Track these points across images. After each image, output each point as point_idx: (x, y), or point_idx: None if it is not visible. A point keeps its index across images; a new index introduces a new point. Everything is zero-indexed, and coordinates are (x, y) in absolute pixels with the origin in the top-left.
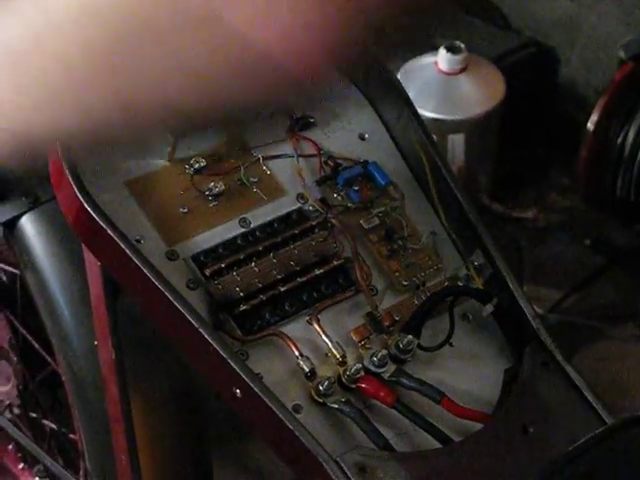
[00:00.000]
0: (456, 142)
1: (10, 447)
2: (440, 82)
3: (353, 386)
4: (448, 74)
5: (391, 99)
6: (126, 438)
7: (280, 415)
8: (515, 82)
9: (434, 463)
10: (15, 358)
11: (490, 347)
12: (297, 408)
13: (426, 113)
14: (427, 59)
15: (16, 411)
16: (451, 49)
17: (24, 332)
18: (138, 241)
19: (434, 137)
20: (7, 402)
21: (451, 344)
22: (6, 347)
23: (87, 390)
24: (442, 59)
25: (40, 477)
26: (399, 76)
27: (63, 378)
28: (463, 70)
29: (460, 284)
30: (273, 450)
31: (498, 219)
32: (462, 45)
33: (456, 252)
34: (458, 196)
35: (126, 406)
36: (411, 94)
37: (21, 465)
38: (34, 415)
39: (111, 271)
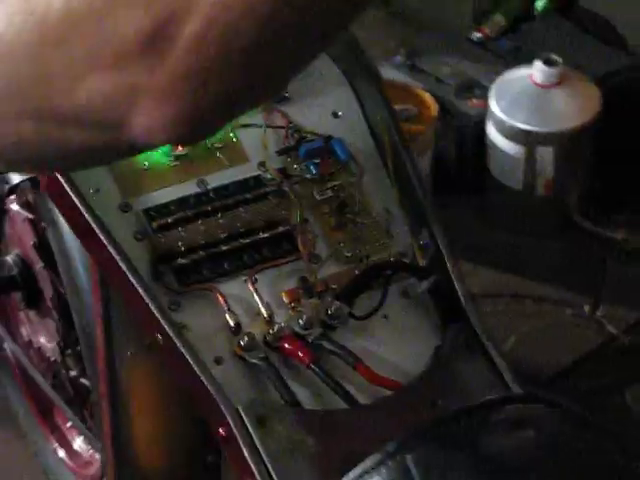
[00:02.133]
0: (545, 155)
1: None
2: (533, 94)
3: (276, 345)
4: (542, 86)
5: (365, 77)
6: (108, 388)
7: (191, 362)
8: (620, 101)
9: (335, 421)
10: (57, 315)
11: (425, 324)
12: (219, 360)
13: (517, 124)
14: (524, 71)
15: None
16: (547, 62)
17: (60, 288)
18: (97, 191)
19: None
20: (53, 359)
21: (386, 317)
22: (50, 304)
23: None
24: (537, 71)
25: (84, 436)
26: (496, 86)
27: (78, 334)
28: (558, 84)
29: (402, 260)
30: (191, 401)
31: (587, 236)
32: (559, 59)
33: (406, 231)
34: (411, 176)
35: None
36: (504, 104)
37: (69, 424)
38: (74, 373)
39: (70, 223)
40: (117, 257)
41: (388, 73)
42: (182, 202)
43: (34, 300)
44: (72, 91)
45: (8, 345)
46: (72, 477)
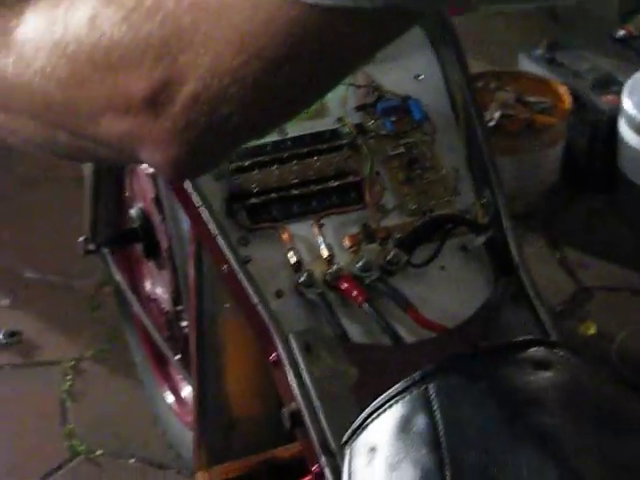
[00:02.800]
0: None
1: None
2: None
3: (334, 284)
4: None
5: (446, 41)
6: (197, 338)
7: (250, 292)
8: None
9: (378, 356)
10: (170, 266)
11: (479, 276)
12: (279, 293)
13: None
14: None
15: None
16: None
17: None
18: None
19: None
20: (166, 310)
21: (443, 267)
22: (165, 256)
23: None
24: None
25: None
26: (630, 82)
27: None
28: None
29: (462, 215)
30: (249, 325)
31: None
32: None
33: (472, 190)
34: (479, 138)
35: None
36: (636, 100)
37: (180, 375)
38: (184, 324)
39: None
40: (193, 194)
41: (526, 65)
42: (260, 148)
43: (153, 252)
44: (94, 123)
45: (128, 295)
46: (178, 422)
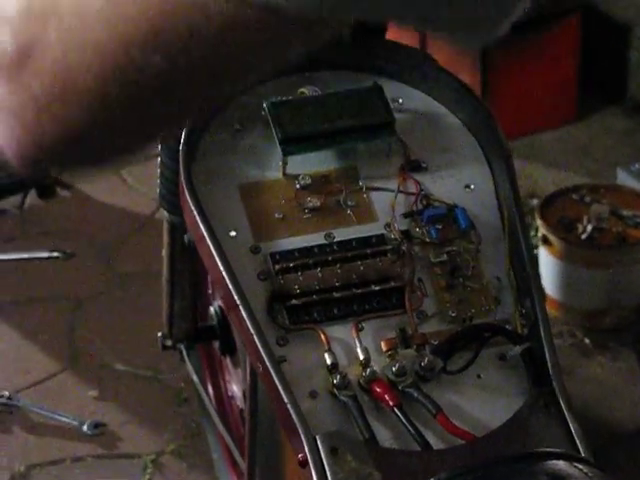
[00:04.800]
0: None
1: None
2: None
3: (367, 387)
4: None
5: (498, 153)
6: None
7: (281, 391)
8: None
9: (404, 461)
10: (243, 365)
11: (514, 387)
12: (313, 394)
13: None
14: None
15: None
16: None
17: None
18: (234, 234)
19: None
20: (241, 407)
21: (479, 376)
22: (239, 354)
23: None
24: None
25: None
26: None
27: None
28: None
29: (500, 325)
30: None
31: None
32: None
33: (513, 300)
34: (523, 249)
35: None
36: None
37: None
38: None
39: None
40: (235, 294)
41: (624, 179)
42: (306, 250)
43: (229, 349)
44: None
45: (201, 393)
46: None
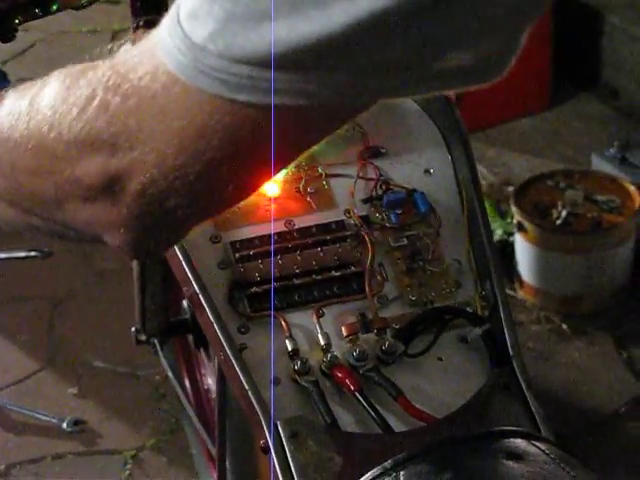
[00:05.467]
0: None
1: None
2: None
3: (329, 372)
4: None
5: (456, 136)
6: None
7: (242, 379)
8: None
9: (365, 445)
10: None
11: (475, 368)
12: (276, 381)
13: None
14: None
15: None
16: None
17: None
18: None
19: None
20: None
21: (441, 359)
22: None
23: None
24: None
25: None
26: None
27: None
28: None
29: (460, 307)
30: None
31: None
32: None
33: (473, 283)
34: (482, 232)
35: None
36: None
37: None
38: None
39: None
40: (195, 283)
41: (598, 164)
42: (267, 238)
43: (203, 343)
44: (60, 210)
45: (175, 387)
46: None
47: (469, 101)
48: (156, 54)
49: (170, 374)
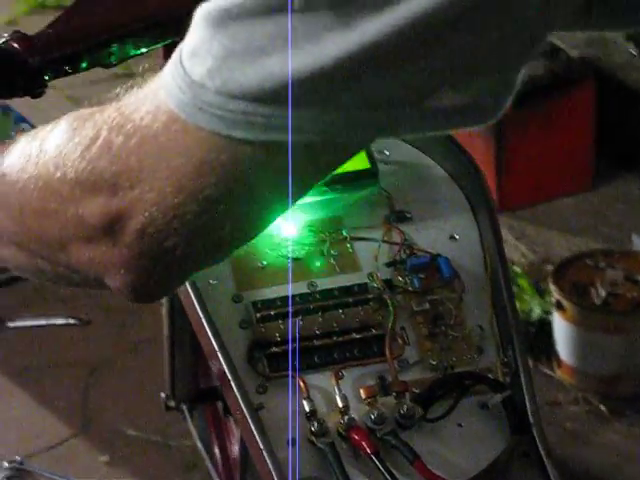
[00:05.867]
0: None
1: None
2: None
3: (346, 435)
4: None
5: (483, 205)
6: None
7: (255, 436)
8: None
9: None
10: None
11: (495, 434)
12: (293, 442)
13: None
14: None
15: None
16: None
17: None
18: (215, 282)
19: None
20: None
21: (460, 425)
22: None
23: None
24: None
25: None
26: None
27: None
28: None
29: (481, 373)
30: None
31: None
32: None
33: (496, 349)
34: (505, 299)
35: None
36: None
37: None
38: None
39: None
40: (214, 342)
41: (639, 244)
42: (287, 299)
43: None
44: (64, 252)
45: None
46: None
47: (511, 179)
48: (159, 94)
49: (198, 442)
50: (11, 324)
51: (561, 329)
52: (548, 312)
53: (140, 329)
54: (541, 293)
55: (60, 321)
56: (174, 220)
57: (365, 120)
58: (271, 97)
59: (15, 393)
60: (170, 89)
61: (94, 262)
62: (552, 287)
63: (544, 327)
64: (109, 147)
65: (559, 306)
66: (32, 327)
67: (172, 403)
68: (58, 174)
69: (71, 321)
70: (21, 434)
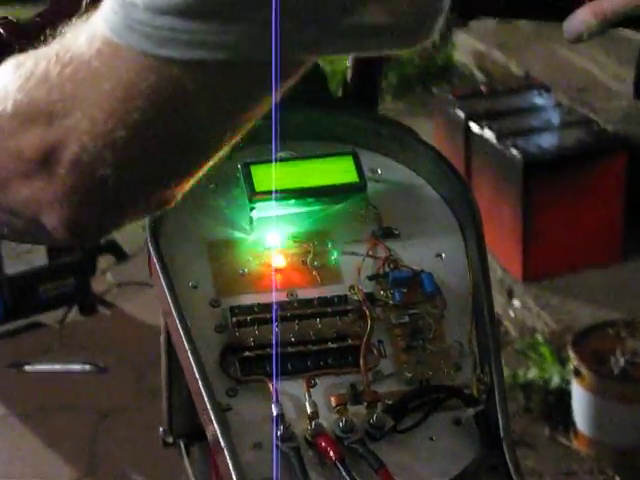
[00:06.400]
0: None
1: None
2: None
3: (312, 441)
4: None
5: (470, 222)
6: None
7: (219, 436)
8: None
9: None
10: None
11: (467, 450)
12: (257, 445)
13: None
14: None
15: None
16: None
17: None
18: (194, 287)
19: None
20: None
21: (432, 439)
22: None
23: None
24: None
25: None
26: None
27: None
28: None
29: (455, 387)
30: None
31: None
32: None
33: (473, 366)
34: (486, 316)
35: None
36: None
37: None
38: None
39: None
40: (185, 342)
41: None
42: (267, 306)
43: None
44: (4, 191)
45: None
46: None
47: (538, 249)
48: (97, 22)
49: (192, 479)
50: (29, 368)
51: (579, 397)
52: (568, 381)
53: (158, 378)
54: (562, 362)
55: (76, 367)
56: (105, 149)
57: (287, 36)
58: (195, 11)
59: (25, 433)
60: (105, 13)
61: (31, 200)
62: (571, 354)
63: (563, 397)
64: (46, 77)
65: (577, 373)
66: (49, 372)
67: (170, 439)
68: (0, 109)
69: (87, 367)
70: (27, 473)
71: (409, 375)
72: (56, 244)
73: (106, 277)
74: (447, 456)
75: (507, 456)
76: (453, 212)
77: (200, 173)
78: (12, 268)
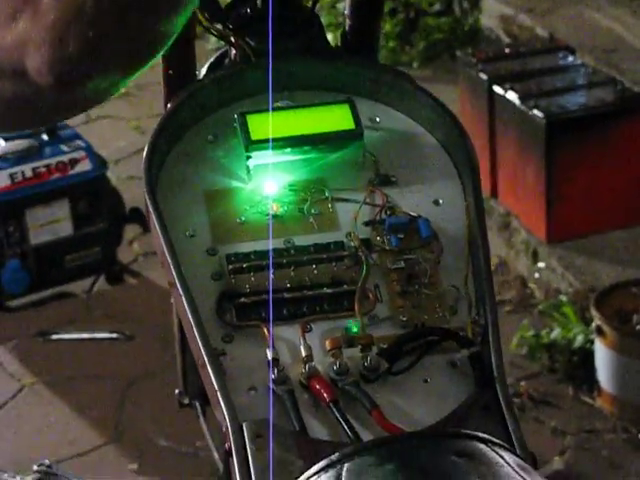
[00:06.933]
0: None
1: None
2: None
3: (306, 383)
4: None
5: (467, 166)
6: None
7: (212, 379)
8: None
9: (329, 451)
10: None
11: (461, 391)
12: (253, 388)
13: None
14: None
15: None
16: None
17: None
18: (192, 235)
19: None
20: None
21: (426, 381)
22: None
23: None
24: None
25: None
26: None
27: None
28: None
29: (449, 329)
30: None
31: None
32: None
33: (468, 309)
34: (481, 259)
35: None
36: None
37: None
38: None
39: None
40: (180, 288)
41: None
42: (262, 253)
43: None
44: None
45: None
46: None
47: (562, 209)
48: None
49: (209, 438)
50: (56, 337)
51: (601, 355)
52: (591, 341)
53: None
54: (586, 322)
55: (103, 335)
56: None
57: None
58: None
59: (54, 401)
60: None
61: (16, 43)
62: (593, 312)
63: (587, 357)
64: None
65: (600, 332)
66: (76, 340)
67: (185, 400)
68: None
69: (114, 335)
70: (55, 440)
71: (404, 319)
72: (43, 104)
73: (132, 247)
74: (441, 397)
75: (500, 394)
76: (451, 159)
77: (187, 12)
78: (37, 238)
